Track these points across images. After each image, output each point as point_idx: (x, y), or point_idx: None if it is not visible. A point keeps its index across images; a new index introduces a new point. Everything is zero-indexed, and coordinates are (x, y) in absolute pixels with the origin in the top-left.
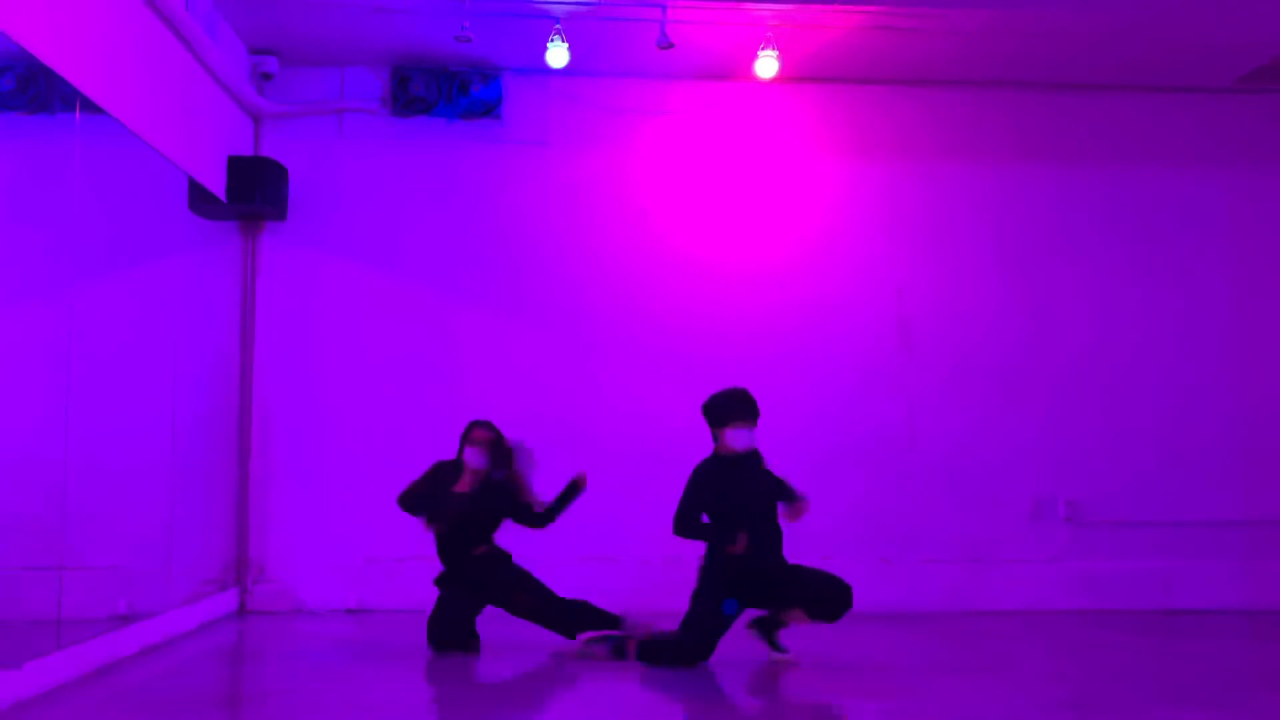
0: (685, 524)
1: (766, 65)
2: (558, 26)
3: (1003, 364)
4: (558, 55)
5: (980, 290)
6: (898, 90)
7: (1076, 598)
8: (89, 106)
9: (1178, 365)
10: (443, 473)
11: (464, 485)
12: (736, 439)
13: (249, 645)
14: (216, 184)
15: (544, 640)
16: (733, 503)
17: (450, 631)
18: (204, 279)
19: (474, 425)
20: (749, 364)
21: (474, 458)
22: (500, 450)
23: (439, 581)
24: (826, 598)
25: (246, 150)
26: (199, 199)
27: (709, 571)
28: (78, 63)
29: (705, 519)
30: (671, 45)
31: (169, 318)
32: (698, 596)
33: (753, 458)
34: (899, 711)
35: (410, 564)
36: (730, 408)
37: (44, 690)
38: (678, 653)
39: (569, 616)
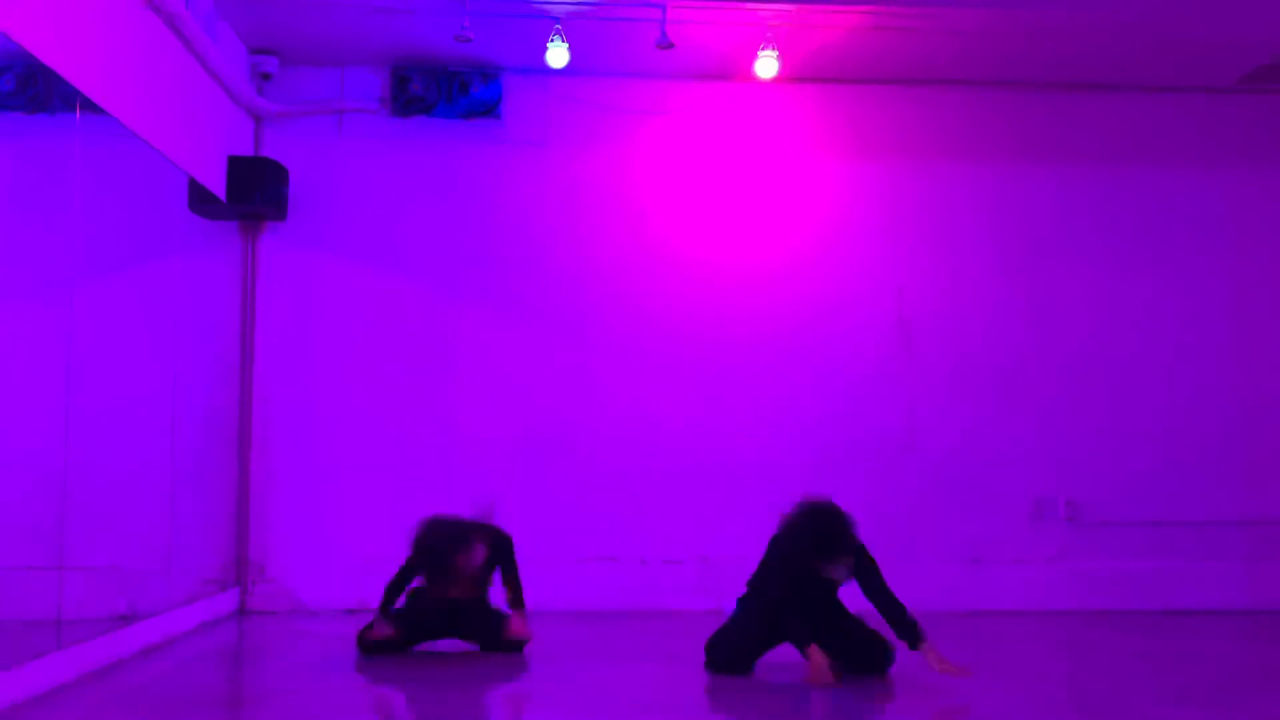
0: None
1: (766, 65)
2: (558, 26)
3: (1003, 364)
4: (558, 55)
5: (980, 290)
6: (898, 90)
7: (1076, 598)
8: (89, 106)
9: (1178, 365)
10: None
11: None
12: (834, 573)
13: (249, 645)
14: (216, 184)
15: (545, 641)
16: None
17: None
18: (204, 279)
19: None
20: (749, 364)
21: (472, 560)
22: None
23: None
24: (862, 655)
25: (246, 150)
26: (199, 199)
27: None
28: (78, 63)
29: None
30: (671, 45)
31: (169, 318)
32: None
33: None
34: (898, 711)
35: None
36: (824, 546)
37: (44, 690)
38: (709, 653)
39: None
